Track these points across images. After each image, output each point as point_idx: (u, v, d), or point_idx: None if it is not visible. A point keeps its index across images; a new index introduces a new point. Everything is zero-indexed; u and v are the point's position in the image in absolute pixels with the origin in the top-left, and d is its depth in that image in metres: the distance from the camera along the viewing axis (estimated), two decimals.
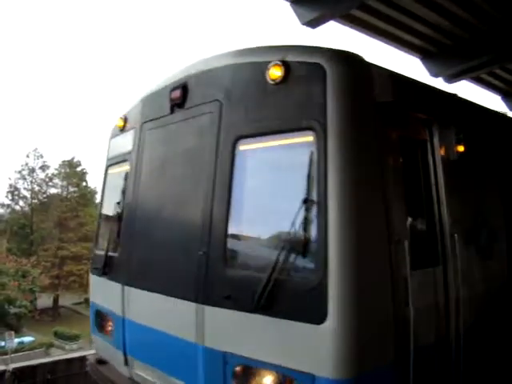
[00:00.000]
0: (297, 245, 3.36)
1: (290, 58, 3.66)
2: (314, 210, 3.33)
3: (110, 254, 5.31)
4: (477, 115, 5.31)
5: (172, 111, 4.71)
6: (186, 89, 4.55)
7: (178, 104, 4.61)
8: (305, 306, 3.27)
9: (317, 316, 3.17)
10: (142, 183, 5.01)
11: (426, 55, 9.34)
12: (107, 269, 5.30)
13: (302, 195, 3.35)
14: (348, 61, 3.59)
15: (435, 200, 4.18)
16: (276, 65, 3.65)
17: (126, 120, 5.57)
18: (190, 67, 4.70)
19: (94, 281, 5.75)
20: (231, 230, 3.87)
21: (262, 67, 3.75)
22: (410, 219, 3.79)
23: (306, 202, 3.34)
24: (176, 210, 4.53)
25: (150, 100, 5.19)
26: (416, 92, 4.32)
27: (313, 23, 7.18)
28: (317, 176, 3.34)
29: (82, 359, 14.49)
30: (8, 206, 60.76)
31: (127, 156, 5.35)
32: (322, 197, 3.29)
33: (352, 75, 3.52)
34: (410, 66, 10.19)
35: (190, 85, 4.54)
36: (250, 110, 3.88)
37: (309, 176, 3.37)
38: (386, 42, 8.65)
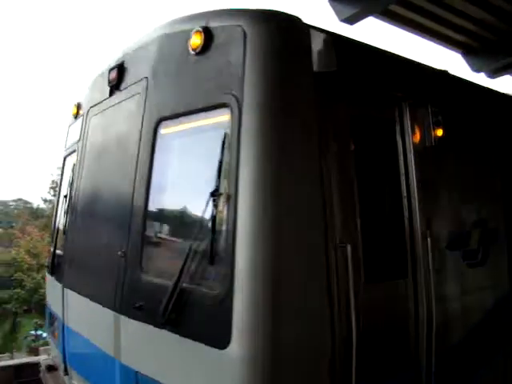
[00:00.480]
0: (206, 247, 2.74)
1: (214, 23, 3.03)
2: (225, 206, 2.70)
3: (58, 252, 4.90)
4: (472, 96, 4.40)
5: (111, 94, 4.19)
6: (123, 68, 4.02)
7: (115, 85, 4.09)
8: (209, 324, 2.64)
9: (220, 338, 2.53)
10: (83, 175, 4.54)
11: (467, 50, 8.88)
12: (54, 268, 4.90)
13: (213, 189, 2.73)
14: (275, 21, 2.89)
15: (404, 195, 3.40)
16: (197, 32, 3.04)
17: (79, 106, 5.11)
18: (128, 45, 4.15)
19: (47, 280, 5.38)
20: (149, 229, 3.32)
21: (186, 37, 3.14)
22: (362, 219, 3.06)
23: (217, 196, 2.71)
24: (107, 206, 4.02)
25: (95, 83, 4.70)
26: (379, 62, 3.51)
27: (351, 19, 6.99)
28: (229, 165, 2.70)
29: None
30: (50, 201, 63.35)
31: (76, 145, 4.90)
32: (232, 190, 2.65)
33: (279, 37, 2.82)
34: (450, 61, 9.50)
35: (126, 64, 4.00)
36: (173, 88, 3.28)
37: (221, 165, 2.74)
38: (426, 38, 8.29)
